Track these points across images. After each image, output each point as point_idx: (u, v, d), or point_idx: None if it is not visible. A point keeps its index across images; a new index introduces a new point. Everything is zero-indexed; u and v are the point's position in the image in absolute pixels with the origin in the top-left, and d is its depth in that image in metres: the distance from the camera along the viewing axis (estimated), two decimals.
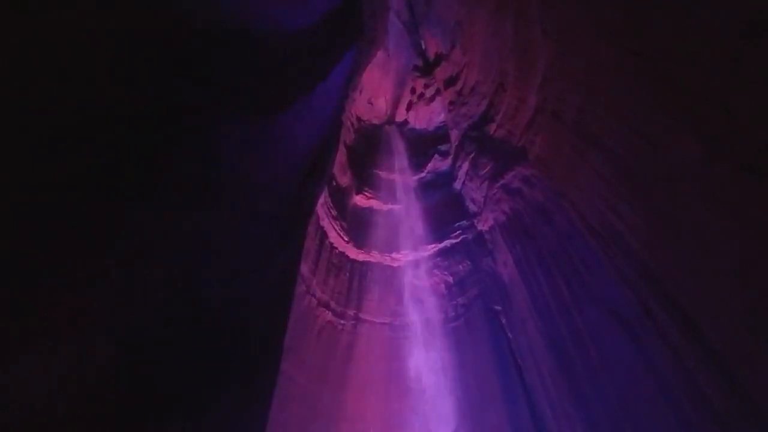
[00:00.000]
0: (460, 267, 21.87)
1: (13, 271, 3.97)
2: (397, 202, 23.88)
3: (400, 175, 24.69)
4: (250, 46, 7.42)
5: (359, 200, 23.24)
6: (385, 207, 23.69)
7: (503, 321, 19.53)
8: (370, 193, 23.65)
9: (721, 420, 10.58)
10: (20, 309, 4.11)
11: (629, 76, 11.86)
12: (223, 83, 6.71)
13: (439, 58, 24.47)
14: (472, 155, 21.05)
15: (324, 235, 20.33)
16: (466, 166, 21.50)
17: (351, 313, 20.69)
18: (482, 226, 20.85)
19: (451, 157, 23.34)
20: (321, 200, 18.60)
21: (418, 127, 26.92)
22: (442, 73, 24.23)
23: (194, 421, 7.11)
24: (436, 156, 24.61)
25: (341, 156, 21.79)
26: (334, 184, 21.35)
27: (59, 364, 4.60)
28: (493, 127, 19.98)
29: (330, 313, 19.88)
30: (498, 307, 19.82)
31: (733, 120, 9.45)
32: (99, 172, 4.87)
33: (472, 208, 21.51)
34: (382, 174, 24.57)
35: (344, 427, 17.95)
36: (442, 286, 22.01)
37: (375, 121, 27.15)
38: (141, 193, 5.22)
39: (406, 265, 22.44)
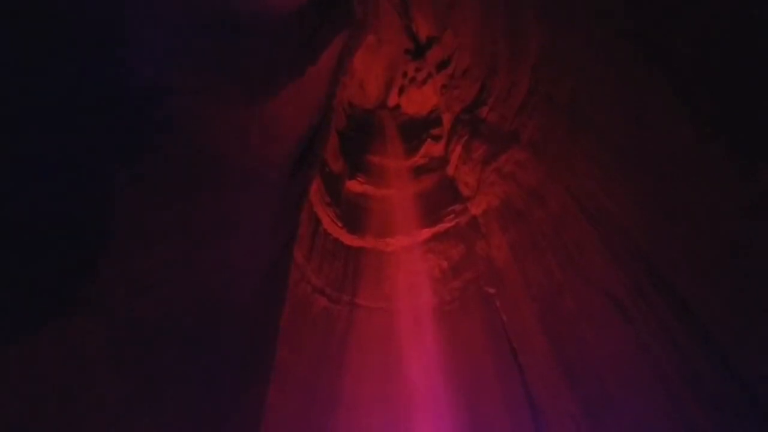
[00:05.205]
0: (454, 251, 21.91)
1: None
2: (391, 187, 23.79)
3: (393, 160, 24.57)
4: (238, 28, 7.28)
5: (352, 186, 23.14)
6: (379, 192, 23.61)
7: (498, 304, 19.66)
8: (363, 178, 23.54)
9: (714, 399, 10.73)
10: None
11: (622, 58, 11.78)
12: (211, 67, 6.58)
13: (431, 42, 24.20)
14: (465, 139, 20.98)
15: (318, 221, 20.23)
16: (458, 149, 21.43)
17: (346, 299, 20.72)
18: (476, 210, 20.87)
19: (444, 141, 23.23)
20: (314, 187, 18.47)
21: (410, 111, 26.75)
22: (433, 56, 23.98)
23: (192, 404, 7.11)
24: (428, 140, 24.48)
25: (333, 142, 21.61)
26: (327, 170, 21.19)
27: None
28: (485, 110, 19.88)
29: (325, 299, 19.87)
30: (492, 291, 19.93)
31: (727, 101, 9.43)
32: (86, 157, 4.78)
33: (466, 192, 21.50)
34: (375, 159, 24.44)
35: (341, 413, 18.07)
36: (437, 270, 22.06)
37: (367, 106, 26.93)
38: (127, 180, 5.13)
39: (400, 250, 22.43)
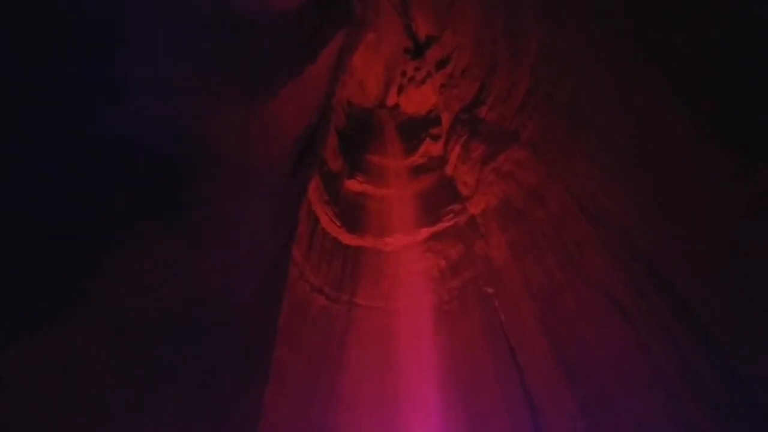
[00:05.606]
0: (453, 250, 21.90)
1: None
2: (390, 186, 23.78)
3: (392, 160, 24.56)
4: (238, 28, 7.26)
5: (351, 185, 23.13)
6: (378, 192, 23.60)
7: (496, 304, 19.64)
8: (362, 178, 23.53)
9: (714, 399, 10.73)
10: None
11: (622, 58, 11.78)
12: (211, 67, 6.57)
13: (430, 41, 24.20)
14: (464, 138, 20.97)
15: (316, 220, 20.21)
16: (457, 149, 21.42)
17: (345, 298, 20.69)
18: (474, 210, 20.86)
19: (443, 140, 23.23)
20: (312, 185, 18.45)
21: (409, 110, 26.74)
22: (433, 55, 23.99)
23: (192, 404, 7.10)
24: (427, 140, 24.48)
25: (332, 141, 21.60)
26: (326, 169, 21.17)
27: None
28: (484, 110, 19.88)
29: (324, 298, 19.85)
30: (491, 290, 19.91)
31: (727, 101, 9.44)
32: (86, 158, 4.76)
33: (465, 191, 21.48)
34: (374, 159, 24.44)
35: (340, 412, 18.05)
36: (435, 269, 22.04)
37: (366, 105, 26.92)
38: (127, 180, 5.11)
39: (399, 249, 22.43)
